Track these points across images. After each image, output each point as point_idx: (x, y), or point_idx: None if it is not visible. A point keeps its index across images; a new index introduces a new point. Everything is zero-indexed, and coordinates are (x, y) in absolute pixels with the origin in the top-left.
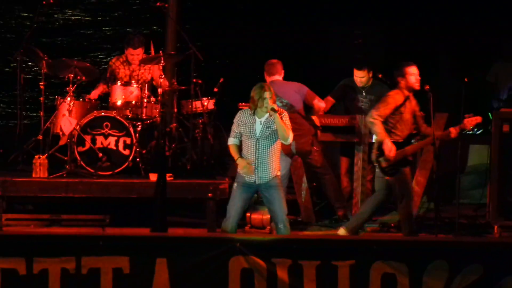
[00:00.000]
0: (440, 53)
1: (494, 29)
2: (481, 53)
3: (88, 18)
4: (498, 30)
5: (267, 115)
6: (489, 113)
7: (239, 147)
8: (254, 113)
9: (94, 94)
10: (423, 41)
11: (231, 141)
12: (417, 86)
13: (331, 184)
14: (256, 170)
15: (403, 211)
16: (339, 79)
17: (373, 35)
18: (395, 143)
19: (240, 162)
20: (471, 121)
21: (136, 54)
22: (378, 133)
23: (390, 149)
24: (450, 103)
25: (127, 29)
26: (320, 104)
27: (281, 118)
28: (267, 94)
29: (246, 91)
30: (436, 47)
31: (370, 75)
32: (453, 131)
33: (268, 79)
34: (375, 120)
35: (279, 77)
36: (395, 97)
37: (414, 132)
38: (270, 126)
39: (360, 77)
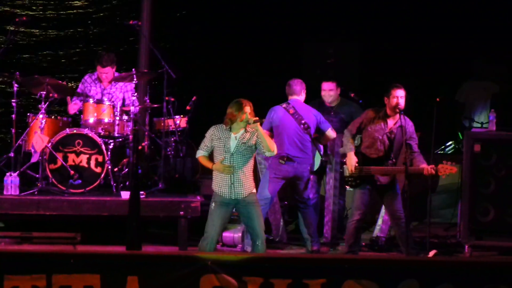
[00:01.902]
0: (412, 73)
1: (463, 49)
2: (450, 73)
3: (60, 34)
4: (467, 50)
5: (242, 131)
6: (459, 133)
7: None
8: (230, 129)
9: (73, 109)
10: (396, 61)
11: (201, 153)
12: (394, 108)
13: (310, 219)
14: (232, 186)
15: (347, 225)
16: (311, 98)
17: (346, 54)
18: (367, 157)
19: (218, 166)
20: (445, 169)
21: (105, 72)
22: (343, 145)
23: (349, 162)
24: (421, 122)
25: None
26: (332, 133)
27: (250, 136)
28: (247, 109)
29: (218, 109)
30: (408, 67)
31: (338, 91)
32: (426, 170)
33: (289, 97)
34: (345, 133)
35: (297, 97)
36: (366, 113)
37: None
38: (245, 142)
39: (329, 89)
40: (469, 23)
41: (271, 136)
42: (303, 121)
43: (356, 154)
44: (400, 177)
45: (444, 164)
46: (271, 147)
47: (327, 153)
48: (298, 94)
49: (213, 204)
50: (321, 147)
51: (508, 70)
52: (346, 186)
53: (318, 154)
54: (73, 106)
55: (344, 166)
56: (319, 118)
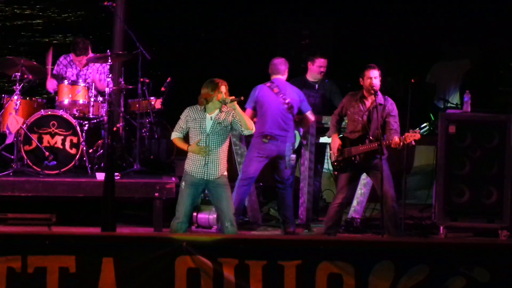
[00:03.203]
0: (385, 54)
1: (432, 31)
2: (423, 55)
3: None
4: (436, 31)
5: (217, 111)
6: (431, 114)
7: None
8: (204, 109)
9: (52, 83)
10: (370, 42)
11: (176, 134)
12: (369, 89)
13: (288, 200)
14: (205, 167)
15: (329, 207)
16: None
17: (320, 35)
18: (350, 140)
19: (193, 148)
20: (410, 136)
21: (78, 60)
22: (330, 129)
23: (333, 145)
24: (396, 104)
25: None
26: (311, 117)
27: (226, 116)
28: (223, 88)
29: (193, 90)
30: (382, 48)
31: None
32: (394, 142)
33: (272, 77)
34: (331, 117)
35: (281, 77)
36: (345, 98)
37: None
38: (220, 123)
39: (324, 66)
40: (441, 3)
41: (254, 115)
42: (287, 101)
43: (342, 139)
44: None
45: (409, 132)
46: (249, 125)
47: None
48: (283, 74)
49: (183, 184)
50: (301, 129)
51: (478, 50)
52: (335, 172)
53: (298, 135)
54: (52, 82)
55: (330, 151)
56: (302, 98)
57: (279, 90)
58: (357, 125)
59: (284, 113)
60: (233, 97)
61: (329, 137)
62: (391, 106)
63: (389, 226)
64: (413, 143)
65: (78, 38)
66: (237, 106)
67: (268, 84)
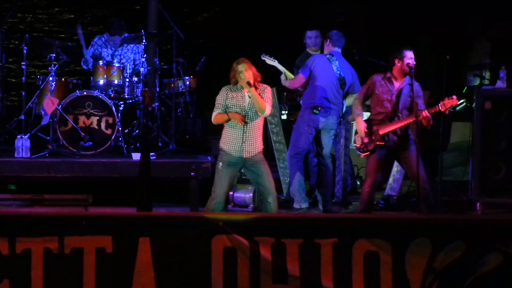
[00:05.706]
0: (421, 32)
1: (465, 11)
2: (457, 32)
3: None
4: (468, 11)
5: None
6: (466, 87)
7: None
8: (241, 88)
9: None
10: (405, 20)
11: (217, 111)
12: (407, 70)
13: (328, 178)
14: (243, 144)
15: (361, 190)
16: None
17: (355, 13)
18: (373, 121)
19: (233, 114)
20: (446, 103)
21: (113, 40)
22: (353, 112)
23: (359, 128)
24: (432, 81)
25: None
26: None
27: (259, 92)
28: (241, 67)
29: (227, 69)
30: (418, 27)
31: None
32: (424, 116)
33: (331, 48)
34: (354, 101)
35: (339, 50)
36: (371, 79)
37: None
38: None
39: (315, 37)
40: None
41: (306, 83)
42: (342, 76)
43: (367, 121)
44: (412, 133)
45: (445, 100)
46: (262, 108)
47: None
48: (340, 47)
49: (220, 164)
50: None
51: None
52: (361, 155)
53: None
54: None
55: (356, 135)
56: (355, 77)
57: (337, 63)
58: (385, 105)
59: (337, 88)
60: (251, 79)
61: (352, 120)
62: (418, 87)
63: (423, 207)
64: (451, 110)
65: (113, 18)
66: (253, 89)
67: (328, 56)
